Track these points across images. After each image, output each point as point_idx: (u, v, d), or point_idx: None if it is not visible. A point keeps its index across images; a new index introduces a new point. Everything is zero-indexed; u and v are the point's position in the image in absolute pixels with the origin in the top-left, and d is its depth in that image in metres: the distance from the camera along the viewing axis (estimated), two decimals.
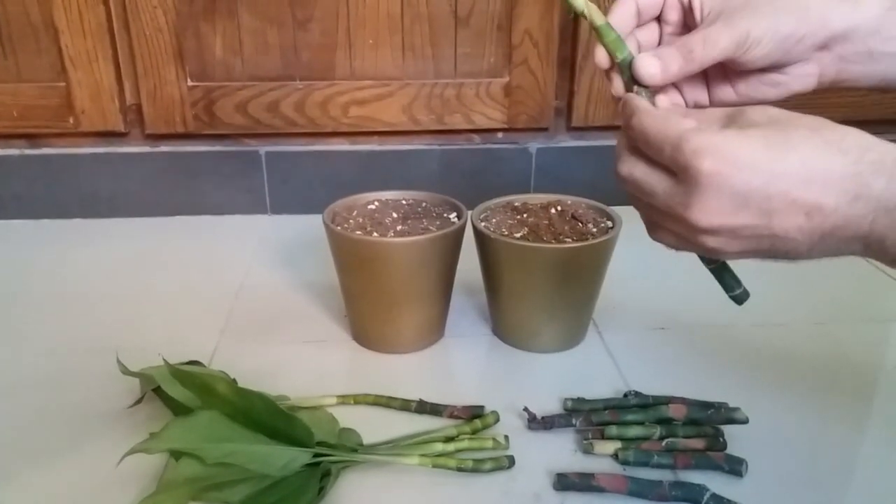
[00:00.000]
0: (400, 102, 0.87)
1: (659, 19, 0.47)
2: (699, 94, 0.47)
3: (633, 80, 0.43)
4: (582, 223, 0.63)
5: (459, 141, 0.91)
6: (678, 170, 0.37)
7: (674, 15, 0.46)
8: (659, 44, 0.47)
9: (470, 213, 0.63)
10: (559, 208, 0.66)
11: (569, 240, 0.59)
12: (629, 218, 0.65)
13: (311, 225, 0.87)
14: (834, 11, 0.43)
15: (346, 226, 0.61)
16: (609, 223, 0.63)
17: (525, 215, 0.65)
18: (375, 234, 0.59)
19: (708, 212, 0.37)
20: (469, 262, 0.63)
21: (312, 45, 0.85)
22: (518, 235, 0.60)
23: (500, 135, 0.92)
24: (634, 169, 0.40)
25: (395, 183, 0.89)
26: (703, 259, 0.47)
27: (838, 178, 0.35)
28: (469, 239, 0.61)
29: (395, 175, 0.91)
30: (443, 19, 0.85)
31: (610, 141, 0.93)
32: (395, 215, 0.64)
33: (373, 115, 0.88)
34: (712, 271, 0.48)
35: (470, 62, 0.87)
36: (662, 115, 0.39)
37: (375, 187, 0.68)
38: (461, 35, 0.86)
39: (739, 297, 0.49)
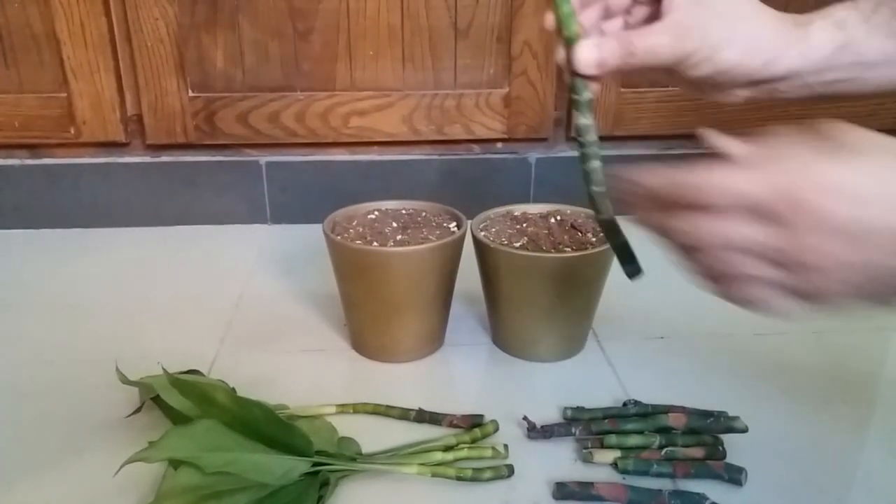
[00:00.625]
0: (400, 113, 0.88)
1: None
2: (640, 77, 0.46)
3: (570, 63, 0.43)
4: (581, 233, 0.63)
5: (459, 151, 0.92)
6: (774, 211, 0.34)
7: None
8: (627, 11, 0.45)
9: (469, 222, 0.63)
10: (559, 218, 0.66)
11: (568, 249, 0.60)
12: (628, 227, 0.66)
13: (311, 234, 0.87)
14: (783, 56, 0.42)
15: (345, 235, 0.61)
16: None
17: (525, 225, 0.65)
18: (375, 243, 0.59)
19: (810, 246, 0.34)
20: (469, 271, 0.63)
21: (313, 56, 0.85)
22: (518, 245, 0.60)
23: (499, 145, 0.92)
24: (720, 225, 0.36)
25: (394, 193, 0.89)
26: (606, 233, 0.47)
27: None
28: (469, 248, 0.61)
29: (395, 185, 0.91)
30: (443, 31, 0.85)
31: (609, 151, 0.94)
32: (394, 225, 0.64)
33: (373, 125, 0.88)
34: (613, 247, 0.48)
35: (470, 73, 0.87)
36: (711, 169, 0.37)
37: (375, 197, 0.68)
38: (461, 46, 0.86)
39: (631, 273, 0.49)
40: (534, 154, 0.92)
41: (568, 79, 0.45)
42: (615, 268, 0.61)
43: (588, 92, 0.44)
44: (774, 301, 0.38)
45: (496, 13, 0.85)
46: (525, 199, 0.93)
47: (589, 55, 0.43)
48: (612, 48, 0.42)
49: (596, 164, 0.48)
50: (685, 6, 0.42)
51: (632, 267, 0.49)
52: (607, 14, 0.46)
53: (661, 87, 0.89)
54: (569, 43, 0.43)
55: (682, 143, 0.92)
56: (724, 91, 0.45)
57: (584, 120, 0.46)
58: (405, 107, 0.88)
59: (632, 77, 0.48)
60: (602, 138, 0.93)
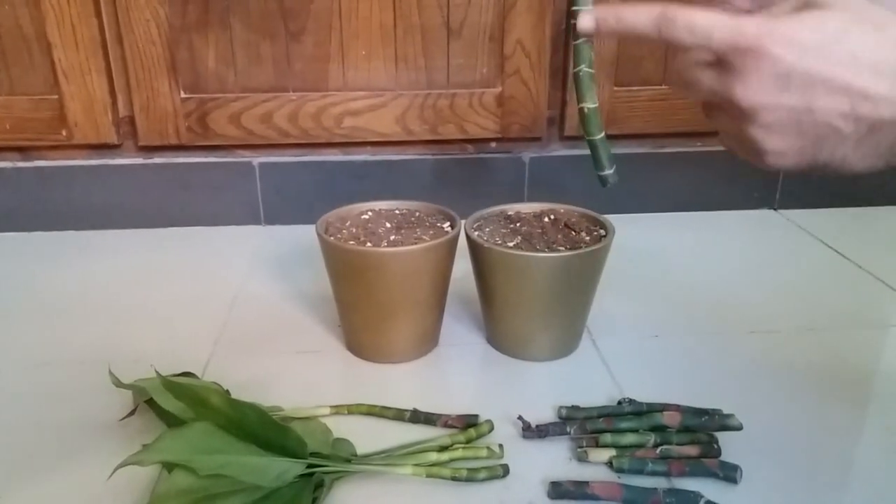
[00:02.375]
0: (393, 113, 0.88)
1: None
2: None
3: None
4: (575, 231, 0.63)
5: (453, 150, 0.92)
6: (727, 52, 0.35)
7: None
8: None
9: (463, 222, 0.63)
10: (552, 217, 0.66)
11: (562, 248, 0.59)
12: (622, 226, 0.66)
13: (305, 235, 0.87)
14: None
15: (339, 236, 0.61)
16: (602, 231, 0.63)
17: (518, 224, 0.65)
18: (369, 244, 0.59)
19: (749, 89, 0.34)
20: (463, 270, 0.63)
21: (305, 56, 0.85)
22: (511, 244, 0.60)
23: (493, 144, 0.92)
24: (684, 64, 0.38)
25: (388, 193, 0.88)
26: (585, 124, 0.47)
27: (891, 70, 0.33)
28: (463, 248, 0.61)
29: (389, 185, 0.91)
30: (435, 31, 0.85)
31: None
32: (388, 225, 0.64)
33: (366, 125, 0.88)
34: (589, 143, 0.49)
35: (463, 73, 0.87)
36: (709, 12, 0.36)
37: (369, 197, 0.68)
38: (454, 46, 0.86)
39: (606, 178, 0.50)
40: (527, 153, 0.92)
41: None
42: (609, 266, 0.62)
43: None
44: (737, 147, 0.39)
45: (488, 12, 0.85)
46: (519, 199, 0.94)
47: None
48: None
49: (587, 40, 0.47)
50: None
51: (604, 172, 0.48)
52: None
53: (655, 85, 0.89)
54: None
55: (675, 141, 0.92)
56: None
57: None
58: (398, 107, 0.88)
59: None
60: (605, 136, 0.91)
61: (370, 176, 0.91)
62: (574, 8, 0.46)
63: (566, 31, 0.52)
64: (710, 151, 0.93)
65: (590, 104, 0.49)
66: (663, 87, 0.89)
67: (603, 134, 0.50)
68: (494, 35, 0.86)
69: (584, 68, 0.48)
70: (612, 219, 0.64)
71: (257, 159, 0.90)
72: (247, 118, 0.86)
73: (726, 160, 0.93)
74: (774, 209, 0.96)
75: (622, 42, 0.87)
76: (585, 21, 0.41)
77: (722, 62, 0.36)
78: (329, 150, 0.90)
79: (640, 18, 0.38)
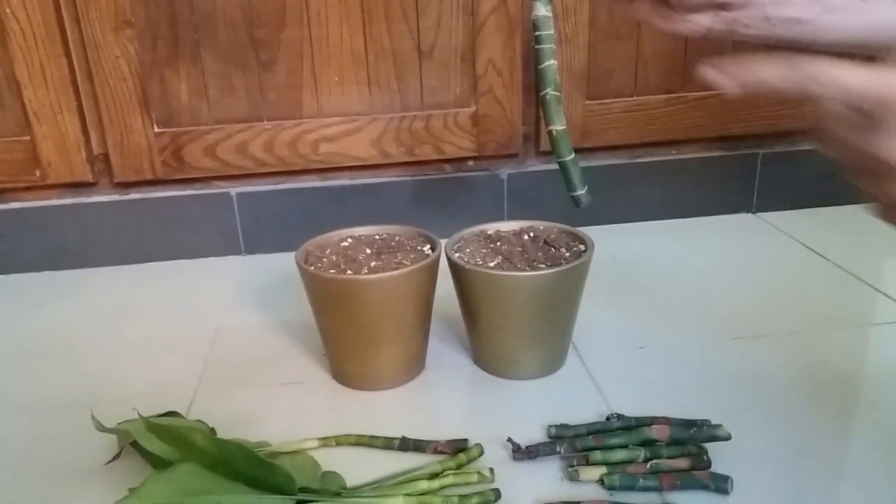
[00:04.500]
0: (369, 137, 0.88)
1: None
2: None
3: None
4: (555, 248, 0.63)
5: (431, 171, 0.92)
6: (872, 107, 0.33)
7: None
8: None
9: (444, 243, 0.63)
10: (531, 234, 0.66)
11: (543, 266, 0.60)
12: (602, 237, 0.66)
13: (286, 263, 0.86)
14: None
15: (319, 265, 0.61)
16: (581, 246, 0.63)
17: (498, 243, 0.65)
18: (349, 271, 0.59)
19: None
20: (446, 292, 0.63)
21: (278, 85, 0.85)
22: (492, 264, 0.61)
23: (470, 163, 0.92)
24: None
25: (368, 216, 0.88)
26: (555, 147, 0.47)
27: None
28: (445, 270, 0.61)
29: (369, 208, 0.91)
30: (406, 54, 0.86)
31: (581, 163, 0.94)
32: (368, 251, 0.64)
33: (343, 150, 0.88)
34: (560, 165, 0.49)
35: (436, 94, 0.88)
36: None
37: (349, 222, 0.68)
38: (426, 68, 0.87)
39: (578, 199, 0.50)
40: (505, 170, 0.93)
41: None
42: (591, 280, 0.62)
43: None
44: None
45: (458, 34, 0.85)
46: (499, 215, 0.94)
47: None
48: None
49: (553, 62, 0.47)
50: None
51: (577, 192, 0.49)
52: None
53: (627, 97, 0.90)
54: None
55: (650, 150, 0.93)
56: (687, 14, 0.44)
57: (544, 11, 0.45)
58: (374, 130, 0.88)
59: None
60: (574, 150, 0.93)
61: (349, 200, 0.91)
62: (536, 36, 0.46)
63: (534, 51, 0.54)
64: (684, 159, 0.94)
65: (558, 126, 0.49)
66: (635, 98, 0.90)
67: (573, 155, 0.50)
68: (466, 55, 0.86)
69: (549, 91, 0.48)
70: (592, 230, 0.65)
71: (235, 189, 0.89)
72: (222, 149, 0.86)
73: (701, 167, 0.95)
74: (752, 213, 0.97)
75: (593, 54, 0.88)
76: (730, 86, 0.38)
77: (866, 117, 0.34)
78: (307, 177, 0.90)
79: (777, 73, 0.36)
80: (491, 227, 0.68)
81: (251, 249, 0.92)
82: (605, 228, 0.93)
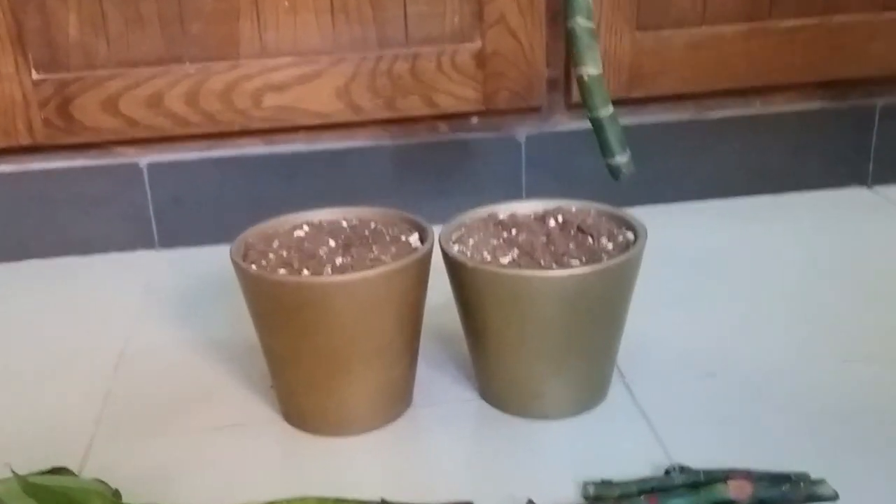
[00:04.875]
0: (333, 84, 0.88)
1: None
2: None
3: None
4: (593, 237, 0.64)
5: (419, 132, 0.92)
6: None
7: None
8: None
9: (438, 232, 0.63)
10: (560, 219, 0.67)
11: (576, 262, 0.60)
12: (657, 222, 0.66)
13: (217, 259, 0.87)
14: None
15: (264, 263, 0.61)
16: (630, 235, 0.63)
17: (514, 231, 0.65)
18: (306, 271, 0.59)
19: None
20: (441, 298, 0.63)
21: (205, 12, 0.85)
22: (506, 261, 0.61)
23: (474, 120, 0.93)
24: None
25: (332, 196, 0.88)
26: (586, 98, 0.49)
27: None
28: (439, 268, 0.61)
29: (333, 184, 0.91)
30: None
31: (626, 119, 0.95)
32: (332, 243, 0.64)
33: (296, 103, 0.88)
34: (592, 121, 0.51)
35: (426, 24, 0.88)
36: None
37: (305, 204, 0.68)
38: None
39: (616, 169, 0.51)
40: (522, 130, 0.93)
41: None
42: (641, 281, 0.62)
43: None
44: None
45: None
46: (516, 192, 0.95)
47: None
48: None
49: None
50: None
51: (614, 159, 0.50)
52: None
53: (692, 27, 0.90)
54: None
55: (725, 101, 0.94)
56: None
57: None
58: (339, 75, 0.88)
59: None
60: (615, 102, 0.95)
61: (304, 173, 0.91)
62: None
63: None
64: (773, 114, 0.95)
65: (591, 70, 0.50)
66: (703, 27, 0.91)
67: (611, 109, 0.51)
68: None
69: (579, 20, 0.49)
70: (643, 212, 0.65)
71: (145, 159, 0.90)
72: (127, 102, 0.87)
73: (796, 124, 0.95)
74: (867, 186, 0.98)
75: None
76: None
77: None
78: (246, 141, 0.91)
79: None
80: (503, 210, 0.68)
81: (168, 241, 0.92)
82: (663, 209, 0.93)
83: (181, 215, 0.91)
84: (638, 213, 0.65)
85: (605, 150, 0.52)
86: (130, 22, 0.85)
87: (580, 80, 0.50)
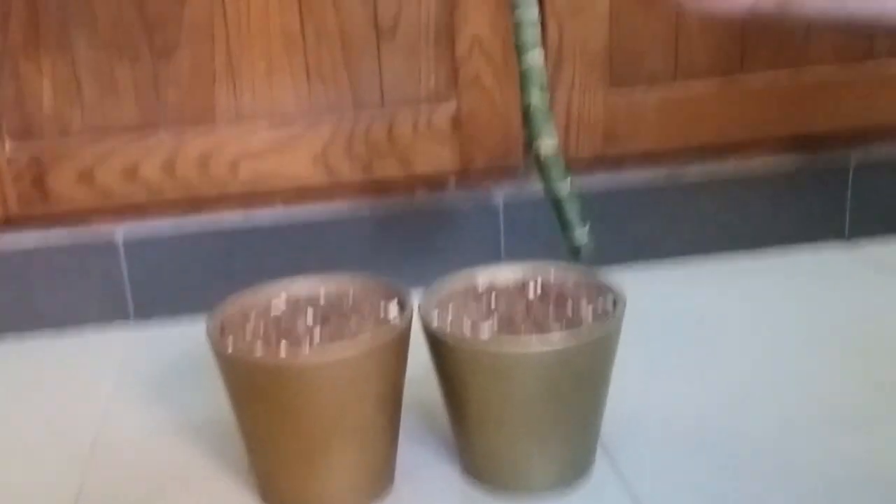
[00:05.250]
0: (310, 149, 0.88)
1: None
2: None
3: None
4: (572, 305, 0.63)
5: (397, 196, 0.92)
6: None
7: None
8: None
9: (418, 301, 0.63)
10: (539, 285, 0.66)
11: (556, 332, 0.59)
12: (638, 280, 0.66)
13: (194, 332, 0.85)
14: None
15: (240, 340, 0.60)
16: (610, 301, 0.63)
17: (494, 299, 0.65)
18: (283, 348, 0.59)
19: None
20: (421, 370, 0.63)
21: (181, 79, 0.85)
22: (486, 332, 0.60)
23: (452, 183, 0.92)
24: None
25: (309, 264, 0.88)
26: (543, 172, 0.49)
27: None
28: (418, 338, 0.61)
29: (311, 252, 0.91)
30: (359, 31, 0.86)
31: (603, 182, 0.96)
32: (310, 317, 0.63)
33: (274, 169, 0.88)
34: (550, 197, 0.51)
35: (402, 86, 0.88)
36: None
37: (282, 272, 0.68)
38: (386, 50, 0.87)
39: (577, 246, 0.51)
40: (500, 192, 0.93)
41: None
42: (623, 349, 0.62)
43: None
44: None
45: (430, 3, 0.86)
46: (495, 256, 0.94)
47: None
48: None
49: (537, 54, 0.50)
50: None
51: (574, 235, 0.50)
52: None
53: (665, 83, 0.91)
54: None
55: (701, 158, 0.94)
56: None
57: None
58: (316, 139, 0.88)
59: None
60: (590, 162, 0.95)
61: (282, 241, 0.91)
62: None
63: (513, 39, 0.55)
64: (749, 169, 0.95)
65: (547, 140, 0.50)
66: (677, 83, 0.91)
67: (569, 183, 0.51)
68: (441, 32, 0.87)
69: (534, 95, 0.49)
70: (622, 273, 0.65)
71: (121, 230, 0.89)
72: (103, 173, 0.86)
73: (772, 179, 0.96)
74: (846, 239, 0.98)
75: (616, 27, 0.89)
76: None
77: None
78: (223, 209, 0.90)
79: None
80: (483, 276, 0.68)
81: (144, 314, 0.91)
82: (641, 269, 0.93)
83: (157, 288, 0.90)
84: (616, 274, 0.65)
85: (563, 227, 0.52)
86: (105, 89, 0.85)
87: (537, 156, 0.50)
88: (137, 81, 0.85)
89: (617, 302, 0.62)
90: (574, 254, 0.53)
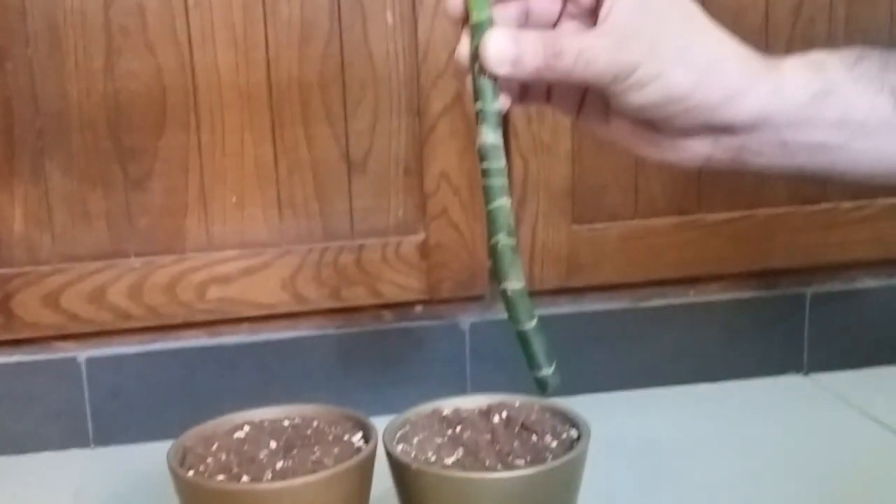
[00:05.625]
0: (278, 275, 0.89)
1: None
2: (567, 102, 0.51)
3: (477, 59, 0.46)
4: (537, 435, 0.64)
5: (364, 321, 0.92)
6: None
7: None
8: (555, 24, 0.50)
9: (382, 430, 0.63)
10: (504, 415, 0.67)
11: (520, 461, 0.60)
12: (600, 410, 0.66)
13: (154, 458, 0.82)
14: (750, 91, 0.46)
15: (202, 468, 0.60)
16: (573, 432, 0.64)
17: (458, 429, 0.65)
18: (245, 477, 0.58)
19: None
20: (386, 496, 0.62)
21: (153, 208, 0.86)
22: (450, 462, 0.60)
23: (418, 308, 0.93)
24: None
25: (275, 386, 0.87)
26: (511, 311, 0.50)
27: None
28: (382, 465, 0.60)
29: (276, 375, 0.90)
30: (331, 165, 0.89)
31: (565, 308, 0.97)
32: (273, 445, 0.63)
33: (241, 295, 0.88)
34: (518, 335, 0.51)
35: (371, 217, 0.90)
36: None
37: (249, 396, 0.68)
38: (357, 184, 0.89)
39: (545, 382, 0.51)
40: (466, 318, 0.94)
41: (471, 80, 0.47)
42: (589, 473, 0.61)
43: (498, 100, 0.47)
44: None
45: (400, 139, 0.89)
46: (460, 381, 0.94)
47: (503, 48, 0.45)
48: (534, 44, 0.45)
49: (505, 201, 0.49)
50: (630, 9, 0.45)
51: (542, 372, 0.51)
52: (527, 20, 0.49)
53: (625, 220, 0.93)
54: (477, 31, 0.46)
55: (661, 291, 0.96)
56: (677, 140, 0.48)
57: (492, 138, 0.48)
58: (285, 267, 0.89)
59: (554, 100, 0.52)
60: (554, 292, 0.96)
61: (247, 364, 0.90)
62: (484, 168, 0.49)
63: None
64: (707, 302, 0.97)
65: (515, 284, 0.51)
66: (637, 221, 0.94)
67: (536, 321, 0.52)
68: (410, 167, 0.90)
69: (501, 238, 0.50)
70: (583, 401, 0.65)
71: (84, 353, 0.88)
72: (69, 298, 0.86)
73: (730, 312, 0.97)
74: (803, 373, 1.00)
75: (579, 165, 0.92)
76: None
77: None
78: (189, 333, 0.90)
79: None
80: (447, 405, 0.68)
81: (104, 439, 0.89)
82: (602, 398, 0.93)
83: (118, 411, 0.89)
84: (577, 401, 0.66)
85: (531, 363, 0.53)
86: (77, 217, 0.86)
87: (504, 293, 0.51)
88: (109, 210, 0.86)
89: (581, 433, 0.63)
90: (541, 388, 0.53)
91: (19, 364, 0.87)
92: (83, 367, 0.88)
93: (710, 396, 0.95)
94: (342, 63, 0.87)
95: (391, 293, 0.91)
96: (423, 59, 0.88)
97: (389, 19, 0.87)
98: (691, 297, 0.97)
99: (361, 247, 0.90)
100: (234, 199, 0.88)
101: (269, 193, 0.88)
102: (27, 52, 0.83)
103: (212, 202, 0.87)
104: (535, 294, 0.95)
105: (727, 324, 0.98)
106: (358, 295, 0.91)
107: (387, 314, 0.93)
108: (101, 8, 0.82)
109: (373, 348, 0.93)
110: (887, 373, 0.98)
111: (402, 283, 0.91)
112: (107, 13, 0.83)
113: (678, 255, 0.94)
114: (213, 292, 0.88)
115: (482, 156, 0.48)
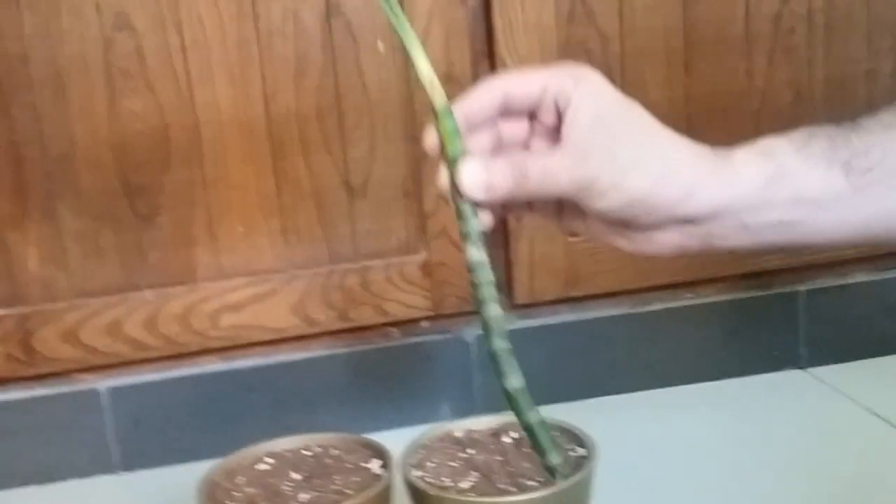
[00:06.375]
0: (287, 301, 0.91)
1: (533, 116, 0.54)
2: (547, 209, 0.56)
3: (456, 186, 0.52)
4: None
5: (373, 339, 0.94)
6: None
7: (549, 117, 0.53)
8: (524, 145, 0.55)
9: (397, 452, 0.65)
10: (513, 435, 0.69)
11: (532, 483, 0.61)
12: (604, 415, 0.66)
13: (178, 480, 0.85)
14: (705, 185, 0.50)
15: (229, 503, 0.62)
16: (580, 450, 0.66)
17: (471, 451, 0.67)
18: None
19: None
20: None
21: (163, 242, 0.88)
22: (465, 486, 0.62)
23: (424, 324, 0.95)
24: None
25: (291, 407, 0.89)
26: (514, 407, 0.54)
27: None
28: (399, 490, 0.62)
29: (290, 394, 0.92)
30: (332, 192, 0.90)
31: (565, 317, 0.99)
32: (295, 476, 0.65)
33: (253, 321, 0.91)
34: (524, 427, 0.55)
35: (374, 239, 0.92)
36: None
37: (265, 418, 0.69)
38: (358, 208, 0.91)
39: (554, 469, 0.55)
40: (471, 331, 0.96)
41: (453, 205, 0.53)
42: (599, 493, 0.63)
43: (477, 220, 0.53)
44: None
45: (398, 164, 0.91)
46: (467, 391, 0.96)
47: (475, 177, 0.50)
48: (502, 170, 0.50)
49: (495, 310, 0.54)
50: (586, 127, 0.50)
51: (550, 460, 0.55)
52: (500, 146, 0.54)
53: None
54: (453, 163, 0.51)
55: (659, 296, 0.98)
56: (647, 234, 0.52)
57: (477, 254, 0.54)
58: (293, 292, 0.91)
59: (535, 208, 0.57)
60: (558, 302, 0.98)
61: (263, 386, 0.92)
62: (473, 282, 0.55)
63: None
64: (705, 304, 0.99)
65: (514, 383, 0.54)
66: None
67: (538, 414, 0.55)
68: (409, 190, 0.92)
69: (497, 342, 0.55)
70: (587, 406, 0.66)
71: (105, 383, 0.90)
72: (87, 332, 0.88)
73: (728, 313, 0.99)
74: (802, 368, 1.02)
75: None
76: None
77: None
78: (204, 360, 0.92)
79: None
80: (459, 427, 0.70)
81: (130, 464, 0.91)
82: (606, 401, 0.95)
83: (142, 437, 0.91)
84: (581, 406, 0.67)
85: (539, 452, 0.57)
86: (89, 254, 0.88)
87: (506, 392, 0.55)
88: (121, 246, 0.88)
89: (588, 451, 0.65)
90: (550, 473, 0.57)
91: (44, 398, 0.89)
92: (105, 397, 0.90)
93: (711, 395, 0.97)
94: (337, 93, 0.89)
95: (397, 311, 0.93)
96: (415, 85, 0.89)
97: (381, 48, 0.89)
98: (689, 299, 0.99)
99: (366, 268, 0.92)
100: (240, 229, 0.90)
101: (273, 222, 0.90)
102: (32, 97, 0.85)
103: (219, 233, 0.89)
104: (535, 306, 0.98)
105: (725, 324, 1.00)
106: (365, 315, 0.93)
107: (394, 331, 0.95)
108: (100, 52, 0.84)
109: (382, 364, 0.95)
110: (882, 364, 1.00)
111: (407, 301, 0.93)
112: (106, 56, 0.85)
113: (674, 261, 0.95)
114: (226, 319, 0.90)
115: (470, 270, 0.54)
